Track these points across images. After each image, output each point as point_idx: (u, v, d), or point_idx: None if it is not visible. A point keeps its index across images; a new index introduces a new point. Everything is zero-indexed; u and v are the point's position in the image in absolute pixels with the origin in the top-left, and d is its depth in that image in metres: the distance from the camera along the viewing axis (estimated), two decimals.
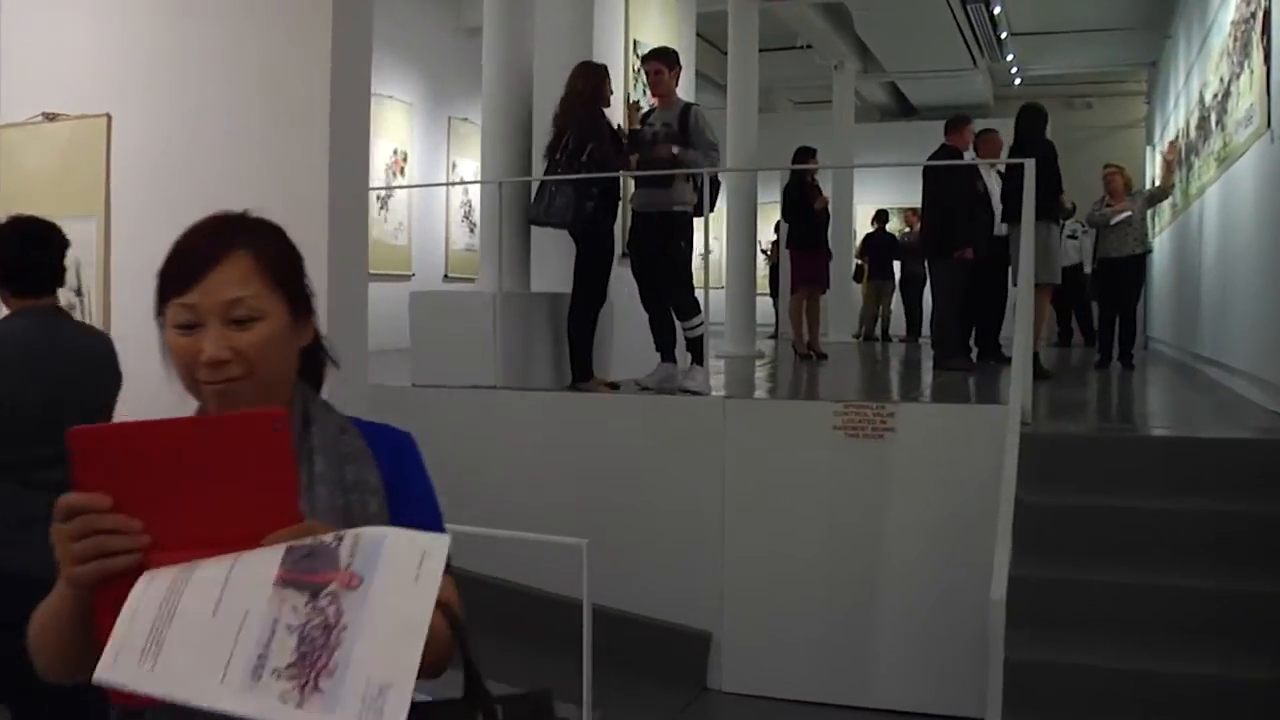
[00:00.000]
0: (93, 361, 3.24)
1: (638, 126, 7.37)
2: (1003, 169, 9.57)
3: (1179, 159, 12.45)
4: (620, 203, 7.28)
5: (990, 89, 18.72)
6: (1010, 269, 9.74)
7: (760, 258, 16.83)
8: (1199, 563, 4.88)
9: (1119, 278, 10.07)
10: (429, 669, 1.22)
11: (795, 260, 11.52)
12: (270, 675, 1.13)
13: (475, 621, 1.45)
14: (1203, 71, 10.55)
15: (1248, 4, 7.59)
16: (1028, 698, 4.30)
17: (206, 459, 1.25)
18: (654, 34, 8.53)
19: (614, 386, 7.03)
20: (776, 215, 16.04)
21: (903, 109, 21.22)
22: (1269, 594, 4.65)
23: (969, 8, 13.56)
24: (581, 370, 6.99)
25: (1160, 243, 14.18)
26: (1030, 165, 5.87)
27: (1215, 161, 9.50)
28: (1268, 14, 6.73)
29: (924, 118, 19.27)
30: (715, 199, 7.27)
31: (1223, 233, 8.98)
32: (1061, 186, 8.80)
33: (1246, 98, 7.69)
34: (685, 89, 7.93)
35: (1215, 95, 9.60)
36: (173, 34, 4.88)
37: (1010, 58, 16.25)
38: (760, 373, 9.91)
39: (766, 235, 17.62)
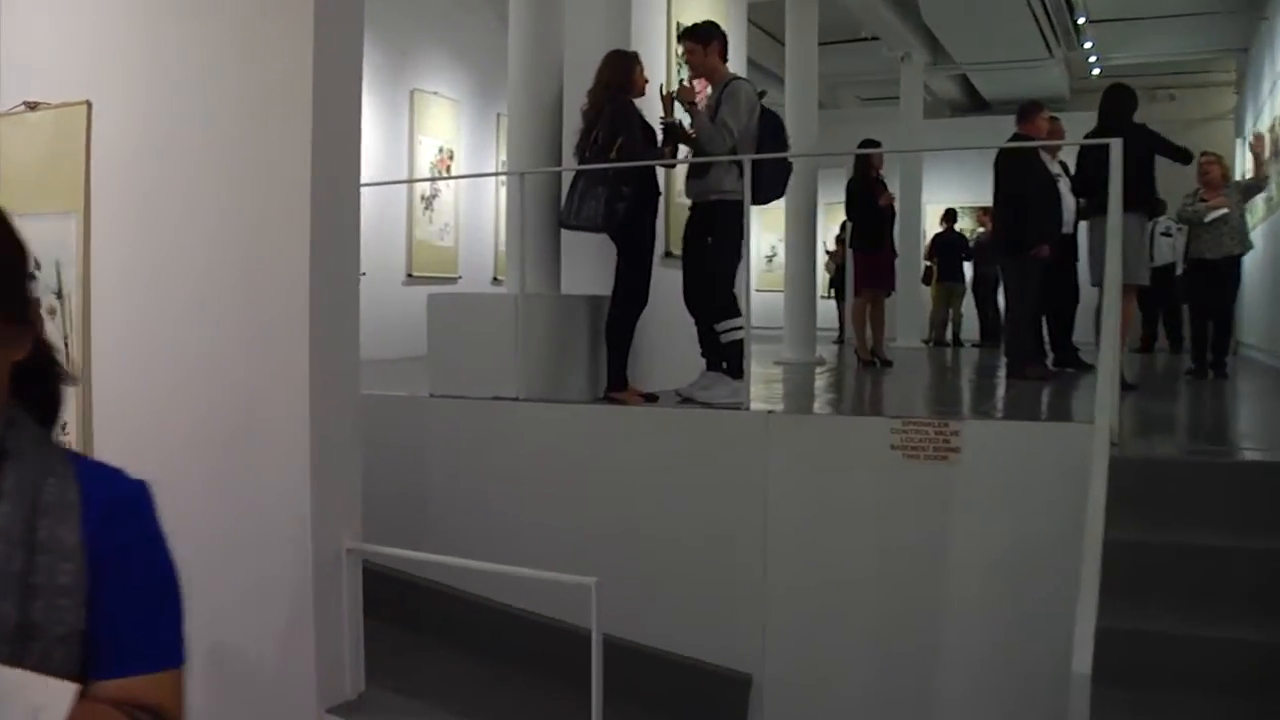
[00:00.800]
0: None
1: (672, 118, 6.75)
2: (1074, 161, 8.91)
3: (1275, 149, 11.57)
4: (660, 197, 6.68)
5: (1067, 80, 17.86)
6: (1079, 267, 9.12)
7: (823, 259, 16.30)
8: None
9: (1213, 280, 9.24)
10: None
11: (859, 261, 10.84)
12: None
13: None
14: None
15: None
16: None
17: None
18: (699, 19, 7.88)
19: (650, 398, 6.42)
20: (842, 215, 15.50)
21: (974, 103, 20.41)
22: None
23: None
24: (616, 379, 6.40)
25: (1254, 240, 13.27)
26: (1117, 145, 5.15)
27: None
28: None
29: (996, 112, 18.53)
30: (774, 187, 6.56)
31: None
32: (1153, 175, 8.06)
33: None
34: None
35: None
36: (150, 16, 4.52)
37: (1088, 45, 15.40)
38: (818, 381, 9.24)
39: (833, 236, 17.04)
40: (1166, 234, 12.38)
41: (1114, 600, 4.02)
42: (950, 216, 15.92)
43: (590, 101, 6.46)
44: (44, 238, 4.39)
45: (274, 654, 4.28)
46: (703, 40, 6.56)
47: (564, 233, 6.90)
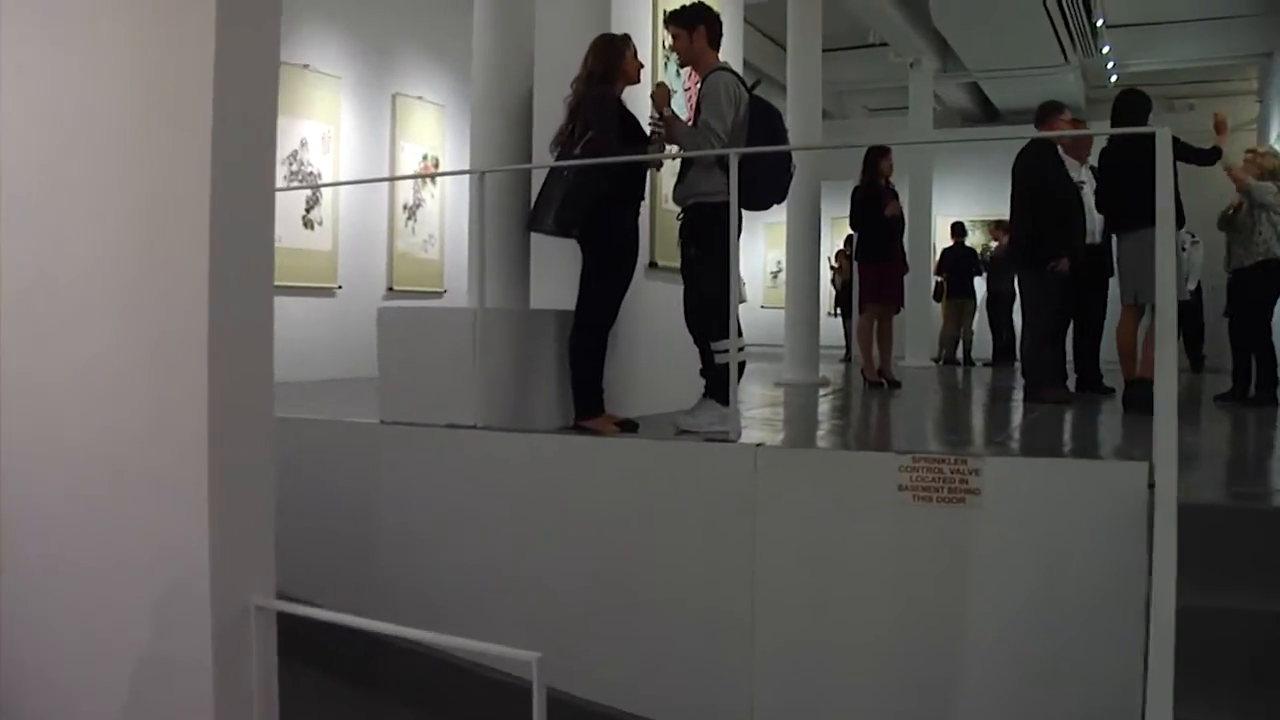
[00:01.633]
0: None
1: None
2: (1095, 165, 8.21)
3: None
4: (643, 201, 5.96)
5: (1083, 89, 17.18)
6: (1110, 281, 8.41)
7: (827, 273, 15.61)
8: None
9: (1247, 289, 8.43)
10: None
11: (864, 275, 10.11)
12: None
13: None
14: None
15: None
16: None
17: None
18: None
19: (628, 425, 5.68)
20: (849, 229, 14.86)
21: (985, 113, 19.75)
22: None
23: None
24: (586, 405, 5.66)
25: None
26: (1165, 134, 4.41)
27: None
28: None
29: (1008, 121, 17.90)
30: (771, 191, 5.74)
31: None
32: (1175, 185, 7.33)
33: None
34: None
35: None
36: (35, 19, 3.83)
37: (1106, 50, 14.69)
38: (820, 405, 8.49)
39: (837, 250, 16.37)
40: (1181, 248, 11.60)
41: (1187, 684, 3.27)
42: (959, 230, 15.32)
43: (573, 92, 5.76)
44: None
45: None
46: (688, 24, 5.84)
47: (535, 241, 6.18)
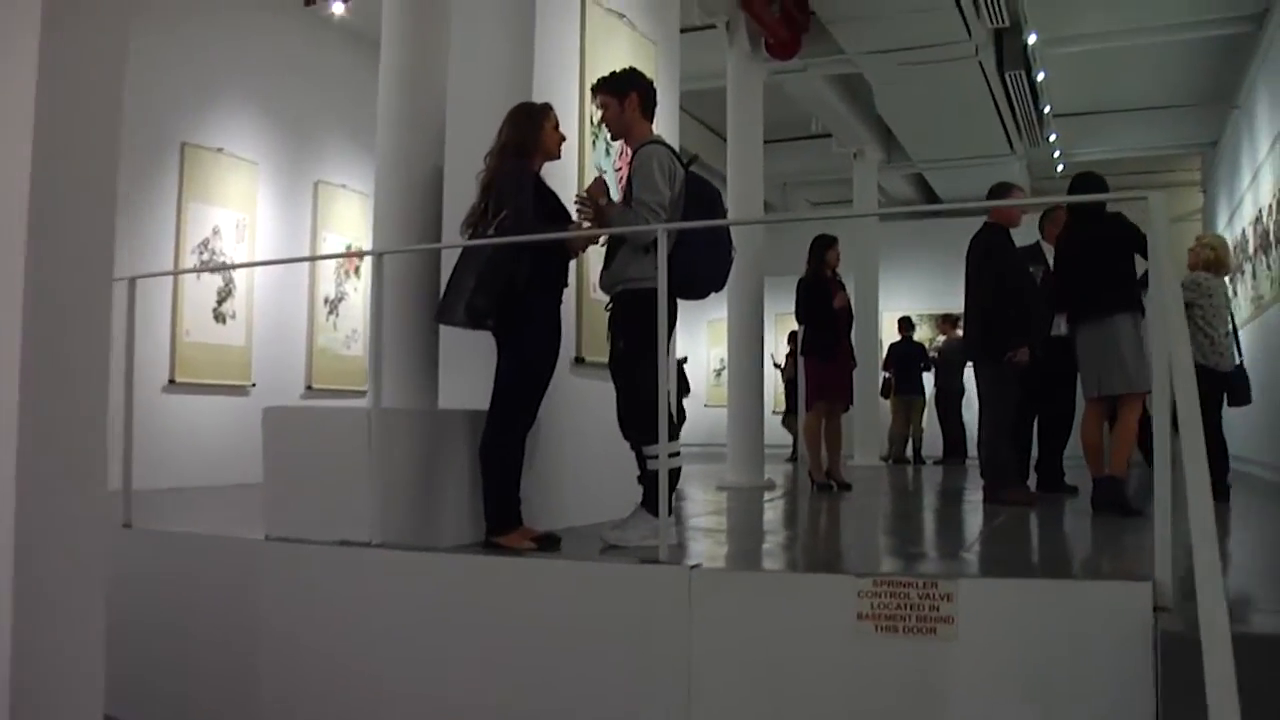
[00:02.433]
0: None
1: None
2: (1050, 255, 7.77)
3: (1262, 241, 10.56)
4: (565, 288, 5.33)
5: (1028, 179, 16.96)
6: (1078, 376, 7.92)
7: (773, 372, 15.10)
8: None
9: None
10: None
11: (811, 370, 9.50)
12: None
13: None
14: None
15: None
16: None
17: None
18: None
19: (548, 541, 4.97)
20: (793, 326, 14.38)
21: (930, 204, 19.45)
22: None
23: (1007, 75, 11.70)
24: (500, 519, 4.95)
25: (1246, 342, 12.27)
26: (1159, 200, 3.86)
27: None
28: None
29: (953, 213, 17.55)
30: (710, 276, 5.10)
31: None
32: (1134, 270, 6.92)
33: None
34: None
35: None
36: None
37: (1053, 138, 14.46)
38: (766, 512, 7.83)
39: (783, 351, 15.88)
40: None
41: None
42: (907, 325, 14.95)
43: (486, 166, 5.15)
44: None
45: None
46: (619, 91, 5.24)
47: (445, 334, 5.50)
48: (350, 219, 11.75)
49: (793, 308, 9.55)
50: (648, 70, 5.87)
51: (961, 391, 14.43)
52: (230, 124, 10.31)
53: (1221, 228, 14.10)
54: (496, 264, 4.89)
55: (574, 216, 5.27)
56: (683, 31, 7.85)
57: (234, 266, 10.03)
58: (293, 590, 4.96)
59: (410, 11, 5.51)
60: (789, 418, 15.94)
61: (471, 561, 4.72)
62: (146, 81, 9.34)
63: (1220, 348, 7.64)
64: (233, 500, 7.66)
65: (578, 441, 5.82)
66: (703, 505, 7.90)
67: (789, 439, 15.86)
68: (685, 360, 16.85)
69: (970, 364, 7.49)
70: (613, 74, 5.35)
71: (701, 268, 5.00)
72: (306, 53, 11.01)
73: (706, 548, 5.41)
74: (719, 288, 5.25)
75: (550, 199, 5.21)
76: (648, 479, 4.98)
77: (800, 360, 9.69)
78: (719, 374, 18.67)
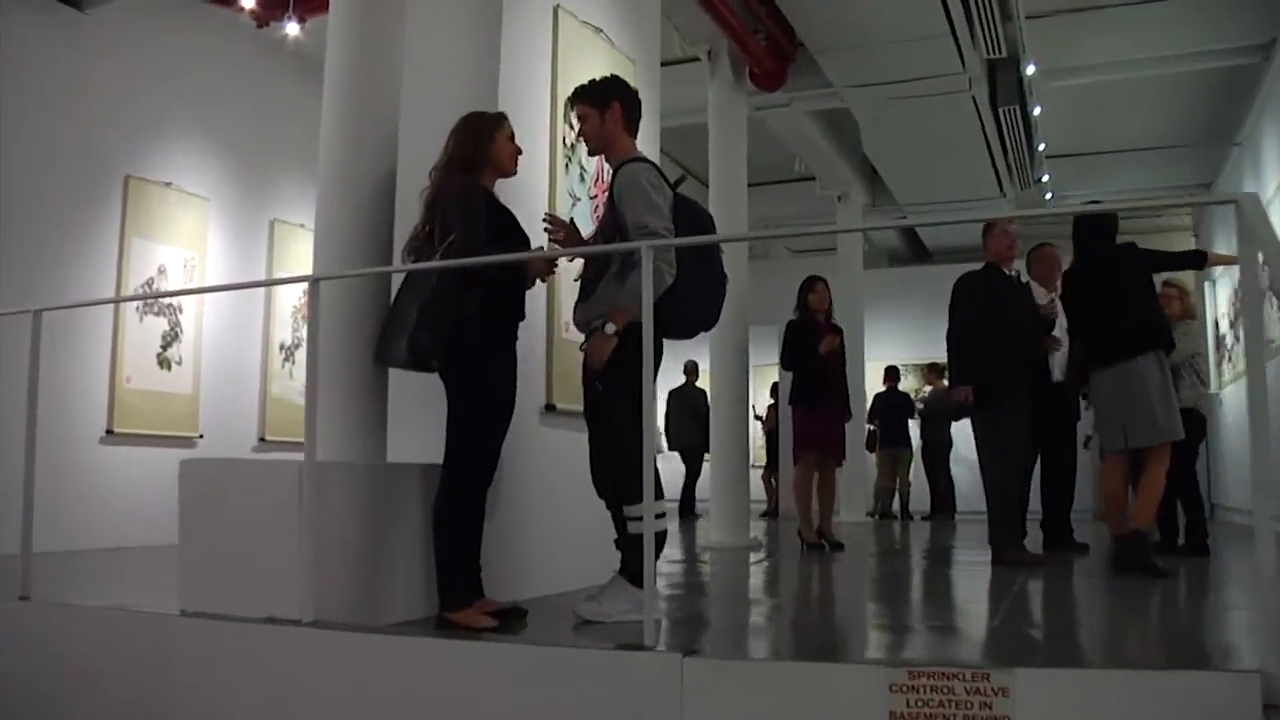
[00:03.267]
0: None
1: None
2: (1057, 293, 7.31)
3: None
4: (523, 318, 4.61)
5: (1018, 224, 16.42)
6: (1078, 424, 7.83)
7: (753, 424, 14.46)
8: None
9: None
10: None
11: (797, 420, 8.82)
12: None
13: None
14: None
15: None
16: None
17: None
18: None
19: (509, 617, 4.26)
20: (775, 377, 13.77)
21: (915, 252, 18.99)
22: None
23: (1001, 111, 11.18)
24: (454, 592, 4.22)
25: (1235, 390, 11.87)
26: (1251, 200, 3.20)
27: None
28: None
29: (939, 261, 17.04)
30: (703, 311, 4.48)
31: None
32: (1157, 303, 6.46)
33: None
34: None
35: None
36: None
37: (1045, 179, 13.97)
38: (754, 578, 7.11)
39: (764, 402, 15.25)
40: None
41: None
42: (893, 374, 14.37)
43: (431, 182, 4.48)
44: None
45: None
46: (599, 102, 4.57)
47: (397, 377, 4.79)
48: (308, 260, 11.04)
49: (774, 358, 8.95)
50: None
51: (949, 444, 13.89)
52: (179, 157, 9.66)
53: (1220, 271, 13.59)
54: (441, 293, 4.20)
55: (535, 239, 4.63)
56: (663, 65, 7.25)
57: (156, 296, 9.29)
58: (210, 675, 4.21)
59: (359, 10, 4.85)
60: (768, 472, 15.29)
61: (418, 645, 3.95)
62: (88, 110, 8.72)
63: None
64: (168, 563, 6.91)
65: (546, 499, 5.14)
66: (685, 570, 7.19)
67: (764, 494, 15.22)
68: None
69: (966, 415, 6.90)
70: (593, 82, 4.69)
71: (693, 301, 4.35)
72: (262, 83, 10.37)
73: (698, 626, 4.67)
74: (709, 326, 4.60)
75: (504, 217, 4.51)
76: (628, 543, 4.29)
77: (778, 411, 9.07)
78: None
